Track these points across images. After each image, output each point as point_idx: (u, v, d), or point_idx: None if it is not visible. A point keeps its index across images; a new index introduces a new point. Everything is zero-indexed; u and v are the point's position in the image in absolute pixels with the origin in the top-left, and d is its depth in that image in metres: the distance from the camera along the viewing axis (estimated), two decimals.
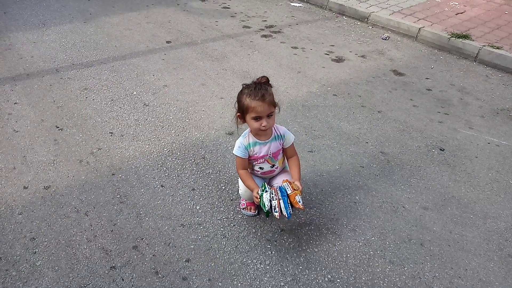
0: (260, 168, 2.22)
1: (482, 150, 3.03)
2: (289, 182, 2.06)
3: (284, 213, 1.97)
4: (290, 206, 1.99)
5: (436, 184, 2.67)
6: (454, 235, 2.30)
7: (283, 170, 2.33)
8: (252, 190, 2.11)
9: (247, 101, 1.97)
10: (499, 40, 4.59)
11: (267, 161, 2.17)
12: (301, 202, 1.98)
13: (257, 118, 1.99)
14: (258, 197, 2.03)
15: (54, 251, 2.16)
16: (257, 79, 2.04)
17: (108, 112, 3.34)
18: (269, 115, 1.99)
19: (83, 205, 2.44)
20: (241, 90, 2.05)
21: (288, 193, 2.01)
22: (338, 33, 5.16)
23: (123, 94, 3.61)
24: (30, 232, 2.25)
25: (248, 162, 2.21)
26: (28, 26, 4.89)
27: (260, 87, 1.98)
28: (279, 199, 1.98)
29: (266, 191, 2.02)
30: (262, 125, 1.98)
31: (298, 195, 1.99)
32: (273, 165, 2.22)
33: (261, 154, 2.15)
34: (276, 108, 2.03)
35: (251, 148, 2.14)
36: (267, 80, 2.05)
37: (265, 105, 1.95)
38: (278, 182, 2.21)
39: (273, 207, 1.98)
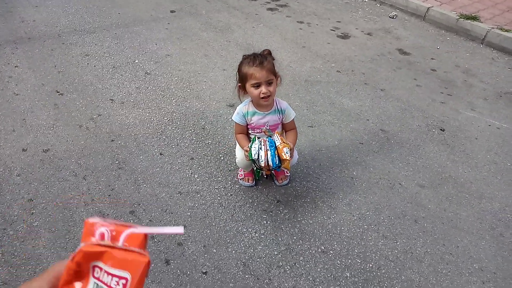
0: (258, 138, 2.22)
1: (482, 132, 3.02)
2: (280, 135, 2.06)
3: (270, 163, 1.97)
4: (277, 157, 1.98)
5: (434, 163, 2.68)
6: (448, 213, 2.32)
7: None
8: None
9: (246, 68, 1.98)
10: (509, 22, 4.51)
11: (264, 132, 2.17)
12: (289, 154, 1.96)
13: (256, 86, 1.98)
14: (248, 150, 2.03)
15: (51, 213, 2.18)
16: (261, 51, 2.05)
17: (109, 79, 3.32)
18: (269, 82, 1.99)
19: (82, 169, 2.46)
20: (241, 60, 2.05)
21: (276, 144, 2.00)
22: (345, 9, 5.07)
23: (124, 61, 3.58)
24: (28, 194, 2.28)
25: (247, 131, 2.22)
26: None
27: (259, 56, 1.99)
28: (267, 149, 1.98)
29: (255, 142, 2.02)
30: (262, 92, 1.97)
31: (287, 147, 1.98)
32: (270, 136, 2.22)
33: (258, 125, 2.15)
34: (277, 78, 2.02)
35: (249, 117, 2.14)
36: (269, 52, 2.05)
37: (263, 71, 1.95)
38: None
39: (260, 157, 1.99)
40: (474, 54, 4.17)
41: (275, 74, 2.01)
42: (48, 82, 3.22)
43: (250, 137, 2.22)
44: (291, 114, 2.19)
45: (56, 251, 1.99)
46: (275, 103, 2.15)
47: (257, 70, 1.95)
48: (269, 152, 1.98)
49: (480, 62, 4.02)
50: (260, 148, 1.99)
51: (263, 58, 1.97)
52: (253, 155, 2.00)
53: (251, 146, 2.02)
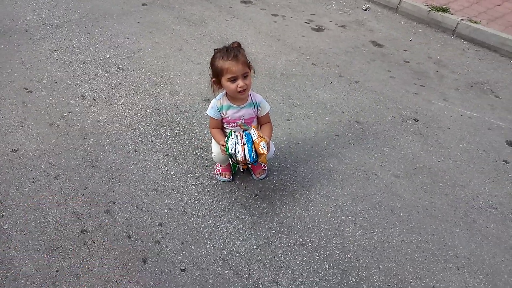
0: (234, 132, 2.20)
1: (454, 121, 3.08)
2: (256, 129, 2.05)
3: (248, 157, 1.96)
4: (254, 152, 1.97)
5: (409, 153, 2.72)
6: (423, 202, 2.36)
7: None
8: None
9: (220, 63, 1.95)
10: (477, 14, 4.62)
11: (239, 126, 2.15)
12: (266, 148, 1.96)
13: (233, 80, 1.95)
14: (224, 144, 2.02)
15: (22, 214, 2.11)
16: (229, 44, 2.02)
17: (80, 75, 3.23)
18: (245, 76, 1.97)
19: (53, 168, 2.38)
20: (213, 55, 2.02)
21: (253, 139, 1.99)
22: (319, 2, 5.08)
23: (95, 57, 3.48)
24: None
25: (222, 125, 2.20)
26: None
27: (232, 49, 1.96)
28: (244, 144, 1.97)
29: (232, 137, 2.00)
30: (239, 86, 1.95)
31: (263, 141, 1.97)
32: (245, 130, 2.20)
33: (233, 119, 2.13)
34: (251, 70, 2.00)
35: (223, 111, 2.12)
36: (239, 44, 2.03)
37: (239, 64, 1.93)
38: None
39: (237, 151, 1.97)
40: (445, 45, 4.25)
41: (249, 66, 1.99)
42: (15, 79, 3.10)
43: (226, 131, 2.20)
44: (266, 107, 2.18)
45: (29, 254, 1.92)
46: (249, 96, 2.13)
47: (233, 64, 1.93)
48: (246, 147, 1.96)
49: (451, 53, 4.10)
50: (237, 143, 1.98)
51: (236, 51, 1.95)
52: (229, 150, 1.98)
53: (227, 141, 2.00)
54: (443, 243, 2.12)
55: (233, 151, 1.97)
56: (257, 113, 2.17)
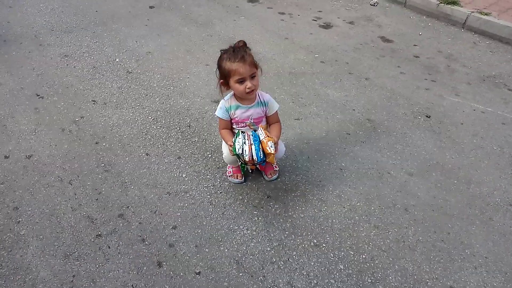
0: (242, 132, 2.20)
1: (467, 116, 3.04)
2: (264, 129, 2.04)
3: (255, 157, 1.96)
4: (262, 152, 1.97)
5: (421, 151, 2.69)
6: (438, 200, 2.33)
7: None
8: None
9: (228, 64, 1.95)
10: (488, 6, 4.54)
11: (248, 125, 2.15)
12: (273, 148, 1.95)
13: (241, 81, 1.96)
14: (232, 145, 2.02)
15: (38, 220, 2.13)
16: (235, 43, 2.00)
17: (90, 79, 3.25)
18: (252, 76, 1.97)
19: (67, 174, 2.41)
20: (220, 56, 2.01)
21: (260, 138, 1.99)
22: None
23: (105, 61, 3.50)
24: (13, 202, 2.22)
25: (231, 125, 2.21)
26: None
27: (239, 50, 1.95)
28: (251, 144, 1.97)
29: (239, 137, 2.00)
30: (247, 87, 1.95)
31: (271, 141, 1.96)
32: (255, 130, 2.20)
33: (242, 119, 2.13)
34: (258, 70, 2.00)
35: (232, 111, 2.12)
36: (245, 43, 2.01)
37: (246, 66, 1.92)
38: None
39: (244, 151, 1.97)
40: (455, 39, 4.19)
41: (256, 66, 1.99)
42: (27, 86, 3.14)
43: (235, 132, 2.20)
44: (274, 106, 2.17)
45: (46, 259, 1.94)
46: (257, 96, 2.12)
47: (240, 65, 1.92)
48: (253, 147, 1.96)
49: (462, 46, 4.05)
50: (244, 143, 1.98)
51: (243, 52, 1.94)
52: (237, 150, 1.97)
53: (235, 141, 2.00)
54: (459, 241, 2.10)
55: (240, 151, 1.97)
56: (265, 112, 2.17)
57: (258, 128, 2.06)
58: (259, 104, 2.13)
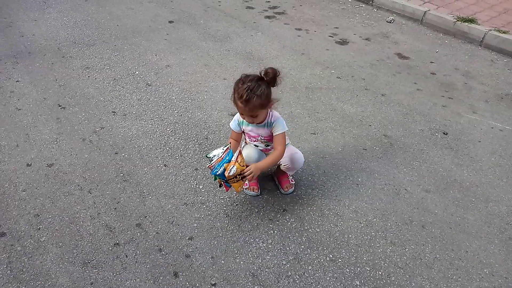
0: (256, 146, 2.31)
1: (485, 134, 3.02)
2: (241, 155, 2.09)
3: (215, 168, 2.05)
4: (222, 169, 2.02)
5: (439, 168, 2.68)
6: (455, 218, 2.31)
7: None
8: None
9: (234, 96, 2.02)
10: (506, 24, 4.54)
11: (260, 141, 2.25)
12: (232, 173, 2.00)
13: (241, 113, 2.09)
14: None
15: (58, 227, 2.17)
16: (265, 69, 1.99)
17: (111, 91, 3.33)
18: (253, 116, 2.04)
19: (87, 183, 2.45)
20: (239, 79, 2.04)
21: (231, 159, 2.05)
22: (342, 15, 5.09)
23: (125, 73, 3.58)
24: (34, 209, 2.27)
25: (241, 137, 2.33)
26: (29, 4, 4.84)
27: (252, 89, 1.94)
28: (221, 157, 2.06)
29: (224, 147, 2.10)
30: (245, 120, 2.08)
31: (236, 167, 2.01)
32: (268, 145, 2.28)
33: (253, 134, 2.23)
34: (270, 106, 2.07)
35: (243, 126, 2.23)
36: (274, 74, 1.96)
37: (246, 108, 1.99)
38: None
39: (212, 158, 2.08)
40: (472, 56, 4.19)
41: (264, 106, 2.02)
42: (49, 96, 3.22)
43: (246, 143, 2.36)
44: (279, 128, 2.14)
45: (65, 266, 1.98)
46: (268, 115, 2.15)
47: (241, 106, 2.00)
48: (220, 161, 2.05)
49: (479, 64, 4.04)
50: (218, 155, 2.07)
51: (252, 94, 1.93)
52: (210, 153, 2.11)
53: (218, 148, 2.11)
54: (477, 260, 2.07)
55: (211, 156, 2.09)
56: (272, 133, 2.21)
57: (234, 152, 2.11)
58: (267, 125, 2.18)
